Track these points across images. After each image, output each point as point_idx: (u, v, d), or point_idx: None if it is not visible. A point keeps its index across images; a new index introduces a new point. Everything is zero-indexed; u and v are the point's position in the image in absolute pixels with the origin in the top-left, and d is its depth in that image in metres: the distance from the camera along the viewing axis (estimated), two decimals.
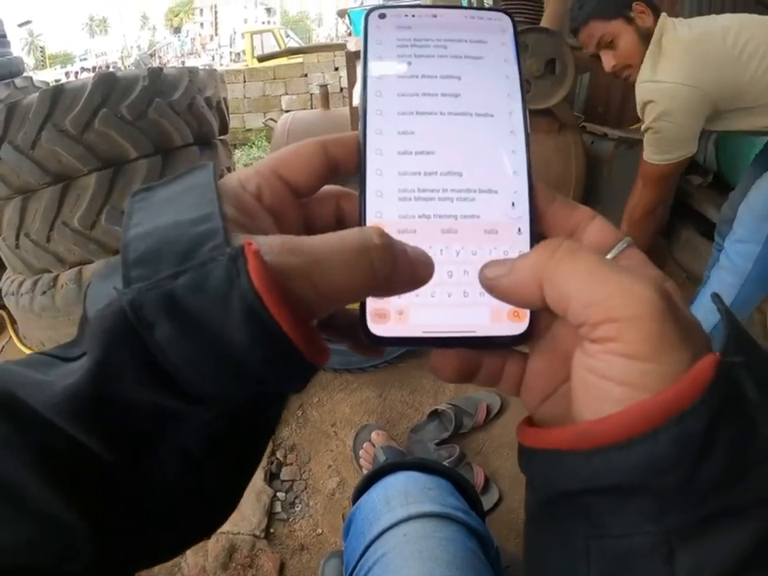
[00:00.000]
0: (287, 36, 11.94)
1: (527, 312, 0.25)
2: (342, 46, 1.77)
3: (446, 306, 0.25)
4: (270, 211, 0.25)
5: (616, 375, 0.20)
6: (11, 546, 0.18)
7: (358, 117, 0.27)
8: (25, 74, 3.14)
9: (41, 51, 51.69)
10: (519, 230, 0.26)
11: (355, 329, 0.27)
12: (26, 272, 1.89)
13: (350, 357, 1.61)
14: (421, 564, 0.60)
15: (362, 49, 0.27)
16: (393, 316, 0.25)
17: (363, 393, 1.65)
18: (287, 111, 3.81)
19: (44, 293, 1.78)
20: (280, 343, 0.20)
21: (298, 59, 5.81)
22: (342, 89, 5.52)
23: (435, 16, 0.27)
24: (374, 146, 0.26)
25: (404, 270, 0.23)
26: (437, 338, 0.25)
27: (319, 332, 0.26)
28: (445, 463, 1.36)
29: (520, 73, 0.27)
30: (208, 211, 0.22)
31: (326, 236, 0.22)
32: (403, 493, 0.69)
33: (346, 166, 0.27)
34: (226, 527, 1.28)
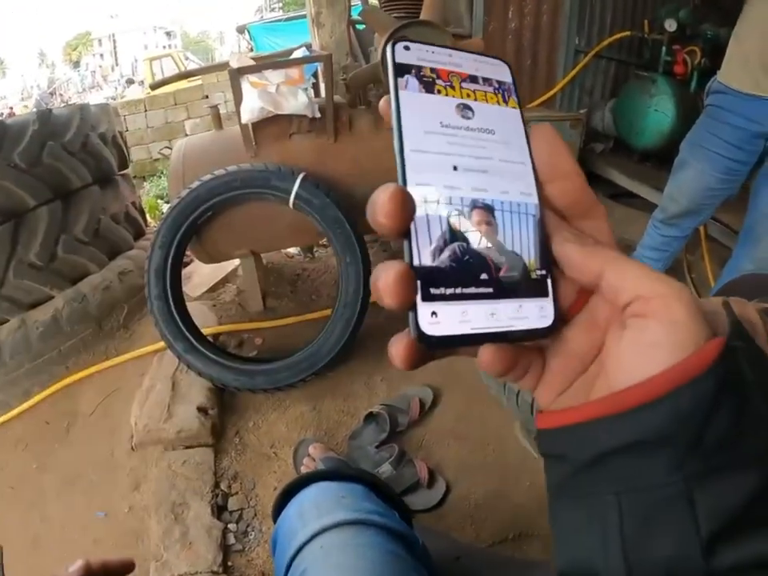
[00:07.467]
0: (187, 59, 11.68)
1: (552, 309, 0.30)
2: (226, 66, 1.73)
3: (488, 306, 0.29)
4: None
5: (660, 339, 0.25)
6: None
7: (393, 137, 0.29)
8: None
9: None
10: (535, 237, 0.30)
11: None
12: None
13: (276, 375, 1.58)
14: None
15: (390, 78, 0.30)
16: (443, 318, 0.28)
17: (297, 408, 1.63)
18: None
19: None
20: None
21: (198, 81, 5.68)
22: None
23: (450, 55, 0.32)
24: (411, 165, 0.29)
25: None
26: (483, 334, 0.28)
27: None
28: (386, 463, 1.37)
29: (521, 108, 0.33)
30: None
31: None
32: (315, 505, 0.69)
33: None
34: (182, 568, 1.23)
